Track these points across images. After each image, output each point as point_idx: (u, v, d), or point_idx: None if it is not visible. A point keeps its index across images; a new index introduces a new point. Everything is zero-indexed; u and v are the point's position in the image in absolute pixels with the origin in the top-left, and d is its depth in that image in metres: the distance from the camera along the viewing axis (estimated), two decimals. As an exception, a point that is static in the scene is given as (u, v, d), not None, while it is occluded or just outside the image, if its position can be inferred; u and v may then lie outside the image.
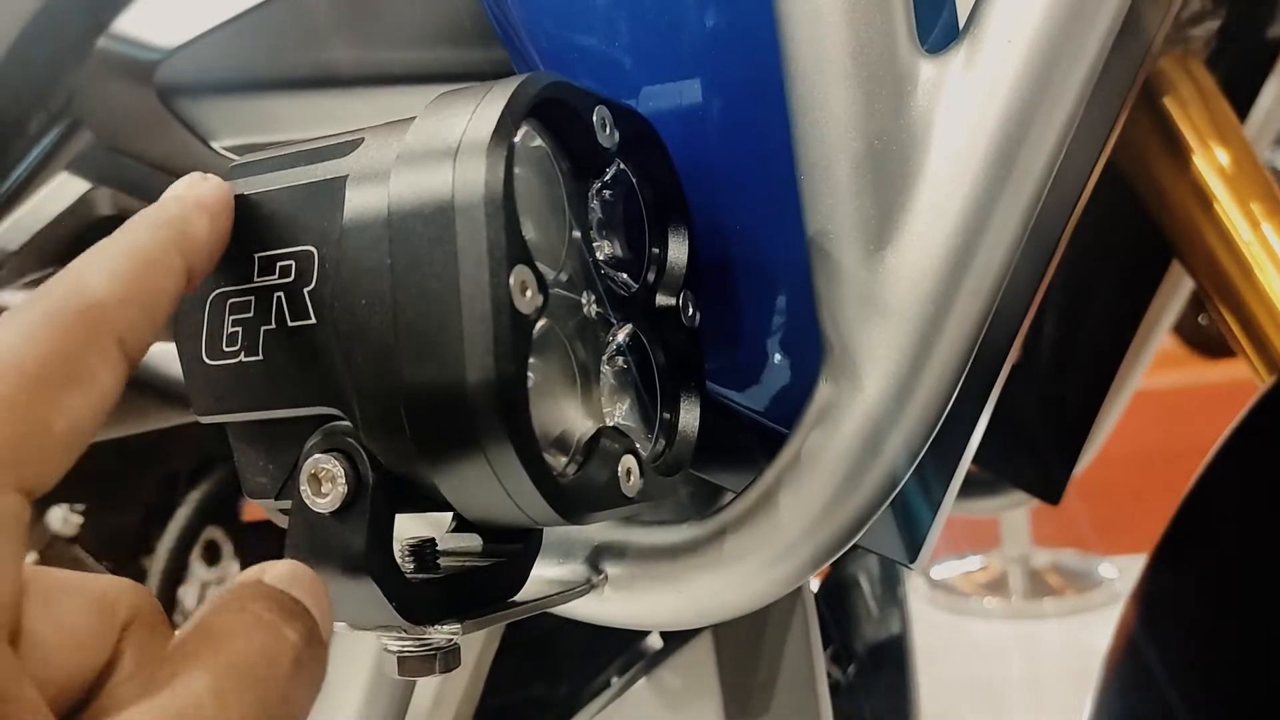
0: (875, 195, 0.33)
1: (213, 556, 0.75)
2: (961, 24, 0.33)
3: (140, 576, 0.72)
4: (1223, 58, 0.71)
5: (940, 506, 0.41)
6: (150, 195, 0.26)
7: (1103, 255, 0.72)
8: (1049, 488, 0.74)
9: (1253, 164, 0.65)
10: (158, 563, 0.67)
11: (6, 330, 0.22)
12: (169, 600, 0.68)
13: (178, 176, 0.29)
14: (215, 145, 0.51)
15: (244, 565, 0.72)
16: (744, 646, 0.51)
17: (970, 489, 0.80)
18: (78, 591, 0.23)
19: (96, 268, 0.24)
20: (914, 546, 0.41)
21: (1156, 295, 0.70)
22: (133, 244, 0.25)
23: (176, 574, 0.69)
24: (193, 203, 0.27)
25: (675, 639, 0.51)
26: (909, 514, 0.41)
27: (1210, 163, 0.65)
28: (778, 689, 0.49)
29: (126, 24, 0.55)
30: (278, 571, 0.25)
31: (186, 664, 0.21)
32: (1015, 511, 2.57)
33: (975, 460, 0.81)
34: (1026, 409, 0.75)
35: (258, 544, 0.82)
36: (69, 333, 0.22)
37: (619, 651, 0.52)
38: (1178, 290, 0.71)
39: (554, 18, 0.39)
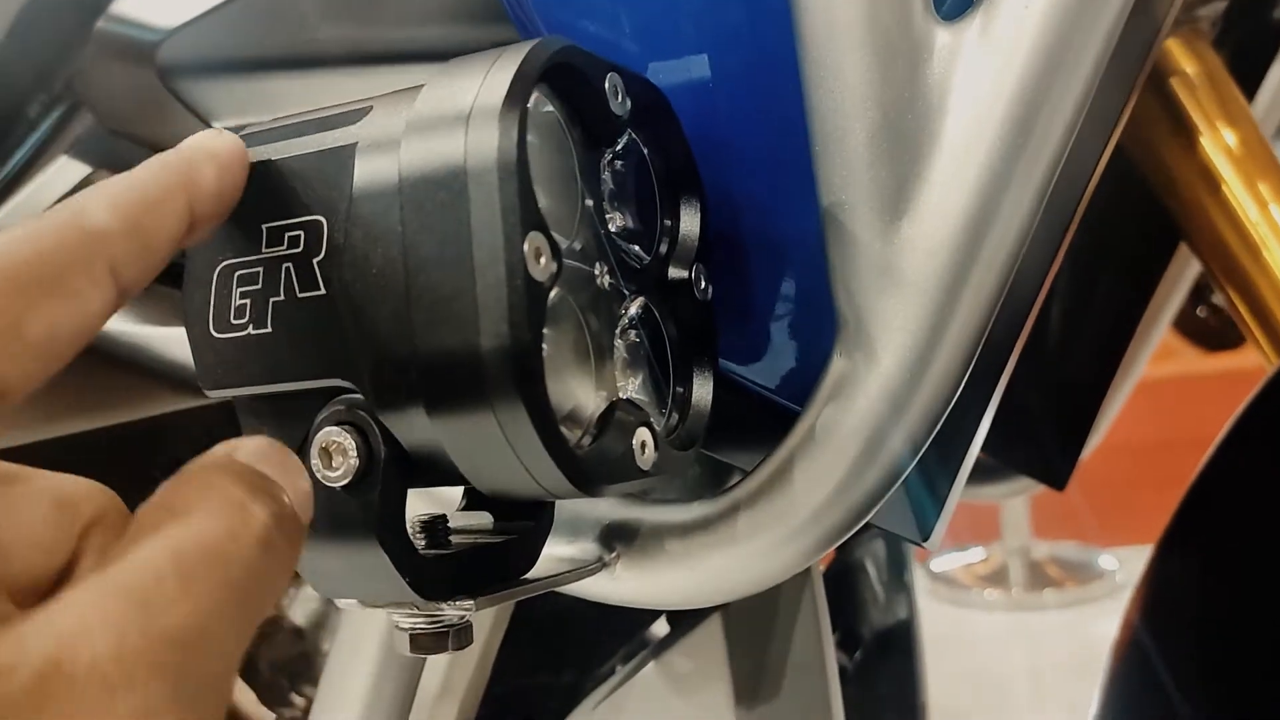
0: (891, 165, 0.32)
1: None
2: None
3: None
4: (1229, 38, 0.70)
5: (953, 485, 0.41)
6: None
7: (1108, 239, 0.71)
8: (1054, 474, 0.74)
9: (1261, 145, 0.64)
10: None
11: (4, 236, 0.22)
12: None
13: None
14: (217, 126, 0.50)
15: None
16: (754, 630, 0.51)
17: (975, 474, 0.79)
18: (37, 490, 0.23)
19: (97, 197, 0.24)
20: (926, 525, 0.41)
21: (1162, 280, 0.70)
22: (136, 180, 0.25)
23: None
24: (203, 151, 0.27)
25: (683, 623, 0.50)
26: (922, 492, 0.40)
27: (1217, 144, 0.64)
28: (788, 671, 0.48)
29: (126, 5, 0.54)
30: (249, 448, 0.24)
31: (147, 540, 0.20)
32: (1015, 503, 2.57)
33: (984, 447, 0.81)
34: (1031, 394, 0.75)
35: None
36: (58, 247, 0.22)
37: (628, 636, 0.51)
38: (1184, 275, 0.71)
39: (562, -9, 0.38)
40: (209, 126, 0.51)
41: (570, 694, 0.55)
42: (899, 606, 0.69)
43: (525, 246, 0.25)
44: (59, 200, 0.55)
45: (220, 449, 0.24)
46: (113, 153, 0.55)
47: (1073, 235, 0.73)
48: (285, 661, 0.66)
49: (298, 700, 0.68)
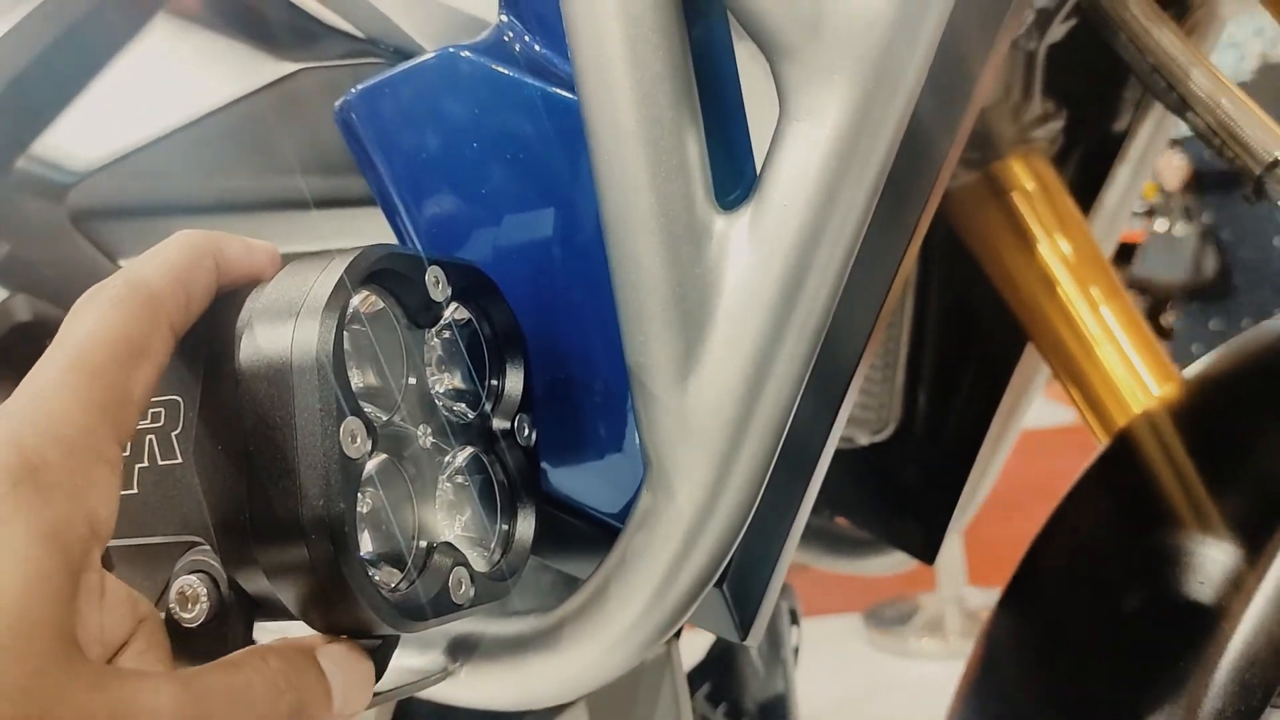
0: (680, 334, 0.38)
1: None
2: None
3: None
4: (1073, 152, 0.78)
5: (768, 587, 0.46)
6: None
7: (965, 336, 0.78)
8: (925, 549, 0.80)
9: (1092, 251, 0.71)
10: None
11: (85, 316, 0.28)
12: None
13: None
14: (123, 265, 0.55)
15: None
16: (616, 712, 0.55)
17: (856, 550, 0.85)
18: None
19: (151, 265, 0.30)
20: (746, 623, 0.46)
21: (1014, 376, 0.76)
22: (179, 246, 0.31)
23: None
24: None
25: (551, 708, 0.55)
26: (739, 596, 0.46)
27: (1054, 252, 0.71)
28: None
29: (44, 147, 0.59)
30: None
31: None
32: (950, 551, 2.63)
33: (861, 523, 0.87)
34: (903, 476, 0.81)
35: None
36: (138, 320, 0.29)
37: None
38: (1035, 371, 0.77)
39: (403, 160, 0.44)
40: (117, 266, 0.56)
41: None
42: (777, 680, 0.75)
43: (341, 431, 0.30)
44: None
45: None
46: (30, 278, 0.60)
47: (934, 330, 0.79)
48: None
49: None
